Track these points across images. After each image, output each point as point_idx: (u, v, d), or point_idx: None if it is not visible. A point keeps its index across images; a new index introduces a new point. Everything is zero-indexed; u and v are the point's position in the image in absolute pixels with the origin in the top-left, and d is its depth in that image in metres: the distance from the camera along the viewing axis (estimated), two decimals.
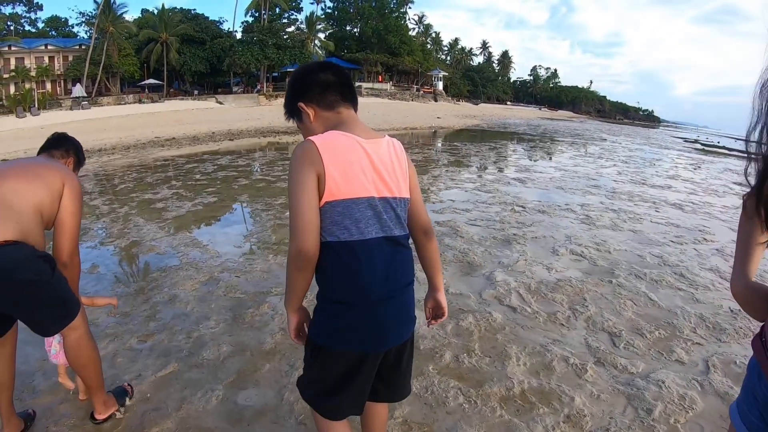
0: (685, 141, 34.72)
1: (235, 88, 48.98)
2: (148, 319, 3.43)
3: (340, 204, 1.38)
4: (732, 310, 3.93)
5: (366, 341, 1.46)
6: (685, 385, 2.79)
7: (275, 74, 51.02)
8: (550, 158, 16.46)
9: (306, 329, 1.56)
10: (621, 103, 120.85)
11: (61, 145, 2.38)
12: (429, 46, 72.82)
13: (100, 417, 2.32)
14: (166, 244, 5.04)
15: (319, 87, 1.54)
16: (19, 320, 2.04)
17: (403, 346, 1.58)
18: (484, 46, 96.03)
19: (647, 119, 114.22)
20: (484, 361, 2.99)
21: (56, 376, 2.45)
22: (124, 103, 35.39)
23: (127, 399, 2.50)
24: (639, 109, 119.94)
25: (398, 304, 1.50)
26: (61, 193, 2.01)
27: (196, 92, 46.70)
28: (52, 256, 2.00)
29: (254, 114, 27.22)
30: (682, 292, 4.32)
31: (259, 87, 46.38)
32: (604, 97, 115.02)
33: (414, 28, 71.08)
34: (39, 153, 2.35)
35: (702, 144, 31.31)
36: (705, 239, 6.25)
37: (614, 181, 10.86)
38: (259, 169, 10.18)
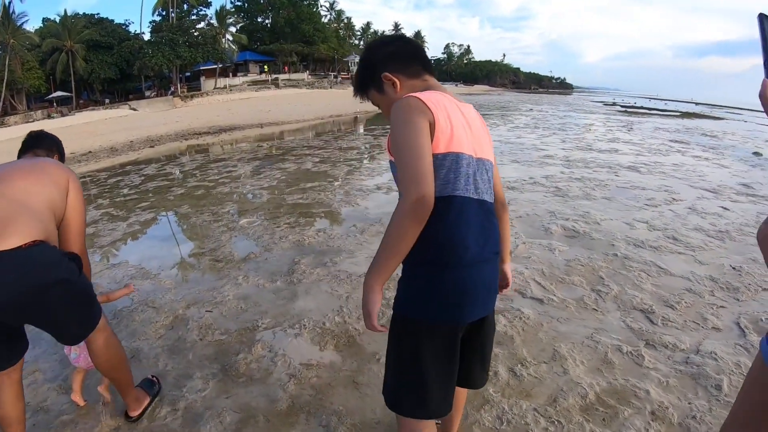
0: (604, 104, 36.20)
1: (147, 93, 47.03)
2: (114, 394, 2.42)
3: (447, 158, 1.33)
4: (734, 268, 4.04)
5: (459, 309, 1.37)
6: (734, 352, 2.80)
7: (188, 74, 49.65)
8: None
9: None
10: (534, 74, 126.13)
11: (43, 143, 2.31)
12: (342, 33, 72.62)
13: (134, 413, 2.30)
14: (108, 280, 4.18)
15: (401, 57, 1.53)
16: (44, 330, 1.92)
17: (487, 321, 1.54)
18: (396, 28, 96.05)
19: (561, 87, 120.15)
20: (541, 368, 2.69)
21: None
22: (32, 121, 32.85)
23: (157, 388, 2.51)
24: (552, 78, 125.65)
25: (490, 271, 1.43)
26: (67, 190, 1.97)
27: (107, 101, 44.40)
28: (77, 255, 1.94)
29: (171, 117, 25.95)
30: (683, 256, 4.33)
31: (173, 89, 44.80)
32: (518, 68, 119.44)
33: (326, 15, 70.59)
34: (21, 153, 2.27)
35: (621, 106, 32.76)
36: (674, 199, 6.37)
37: (562, 149, 11.06)
38: (192, 175, 9.27)
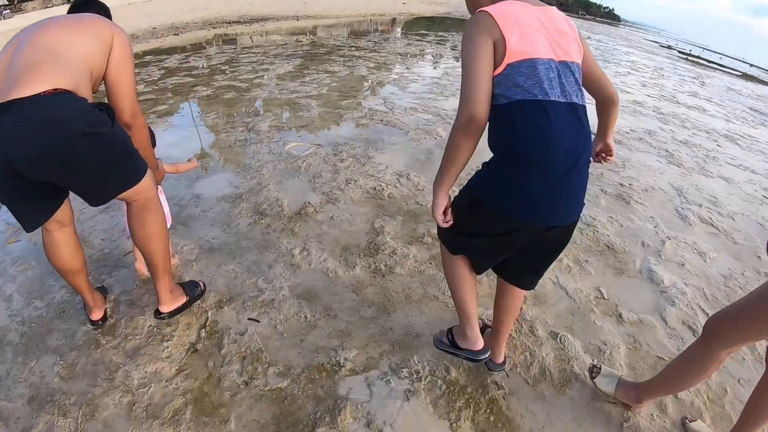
0: (660, 46, 33.55)
1: None
2: None
3: (522, 64, 1.34)
4: None
5: (534, 212, 1.40)
6: None
7: None
8: None
9: (449, 210, 1.53)
10: None
11: (89, 7, 2.06)
12: None
13: (165, 309, 2.11)
14: (94, 233, 2.96)
15: None
16: (72, 190, 1.77)
17: (564, 230, 1.52)
18: None
19: (608, 17, 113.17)
20: None
21: None
22: (52, 6, 30.81)
23: (199, 291, 2.29)
24: (600, 6, 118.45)
25: (578, 178, 1.41)
26: (110, 46, 1.79)
27: None
28: (108, 105, 1.77)
29: (199, 3, 23.77)
30: None
31: None
32: None
33: None
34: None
35: (678, 51, 30.47)
36: None
37: (647, 95, 9.48)
38: (221, 71, 7.77)
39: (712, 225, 3.74)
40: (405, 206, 3.26)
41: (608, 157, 1.80)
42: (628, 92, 9.42)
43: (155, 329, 2.14)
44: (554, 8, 1.49)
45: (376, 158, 4.08)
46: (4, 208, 3.36)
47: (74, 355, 2.02)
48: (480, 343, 1.77)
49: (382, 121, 5.10)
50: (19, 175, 1.59)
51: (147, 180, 1.85)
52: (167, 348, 2.04)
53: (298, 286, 2.43)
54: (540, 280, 1.78)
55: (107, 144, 1.68)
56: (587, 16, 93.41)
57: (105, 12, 2.14)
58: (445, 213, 1.51)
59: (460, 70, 1.41)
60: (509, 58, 1.33)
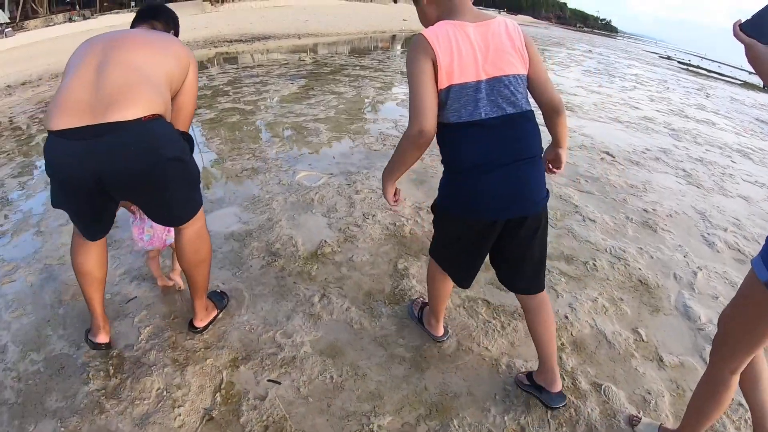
0: (659, 57, 33.64)
1: None
2: None
3: (451, 90, 1.50)
4: None
5: (474, 210, 1.59)
6: None
7: None
8: (562, 74, 14.43)
9: (398, 195, 1.77)
10: (581, 11, 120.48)
11: (161, 16, 2.12)
12: None
13: (201, 324, 2.22)
14: None
15: None
16: (145, 209, 1.90)
17: (527, 222, 1.63)
18: None
19: (605, 29, 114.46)
20: None
21: None
22: (53, 24, 31.76)
23: (225, 302, 2.42)
24: (598, 18, 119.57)
25: (523, 171, 1.57)
26: (187, 71, 1.88)
27: (132, 3, 41.97)
28: (190, 135, 1.94)
29: (200, 22, 23.90)
30: None
31: None
32: (565, 3, 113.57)
33: None
34: (136, 23, 2.10)
35: (678, 62, 30.59)
36: None
37: (656, 110, 9.33)
38: (223, 92, 7.64)
39: (739, 251, 3.60)
40: (428, 244, 3.06)
41: (554, 168, 1.89)
42: (637, 108, 9.35)
43: (165, 392, 1.94)
44: (494, 21, 1.57)
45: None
46: (1, 242, 3.21)
47: (76, 421, 1.82)
48: (440, 332, 2.23)
49: (394, 146, 4.88)
50: (100, 194, 1.67)
51: (202, 208, 1.99)
52: (179, 416, 1.84)
53: (321, 341, 2.23)
54: (577, 324, 2.15)
55: (188, 170, 1.81)
56: (585, 29, 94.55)
57: (175, 23, 2.21)
58: (395, 194, 1.75)
59: None
60: (440, 84, 1.50)
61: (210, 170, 4.32)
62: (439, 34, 1.50)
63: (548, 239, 3.20)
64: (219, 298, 2.39)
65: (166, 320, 2.35)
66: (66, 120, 1.54)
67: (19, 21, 33.50)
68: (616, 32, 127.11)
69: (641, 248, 3.36)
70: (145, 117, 1.59)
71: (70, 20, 33.18)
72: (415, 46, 1.52)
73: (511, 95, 1.53)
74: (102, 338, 2.11)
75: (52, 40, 23.44)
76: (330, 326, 2.33)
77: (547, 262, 2.92)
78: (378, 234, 3.16)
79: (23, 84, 11.82)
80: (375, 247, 3.02)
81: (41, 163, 5.04)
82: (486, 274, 2.75)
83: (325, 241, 3.03)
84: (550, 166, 1.88)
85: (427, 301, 2.31)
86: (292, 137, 5.27)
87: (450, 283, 1.98)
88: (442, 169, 1.68)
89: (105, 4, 41.75)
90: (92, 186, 1.62)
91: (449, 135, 1.56)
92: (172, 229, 2.16)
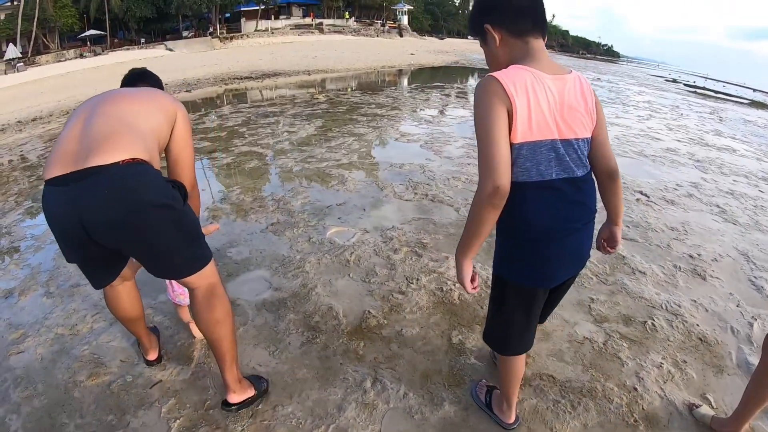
0: (665, 80, 33.79)
1: (185, 33, 46.38)
2: None
3: (524, 146, 1.37)
4: None
5: (541, 277, 1.54)
6: None
7: (227, 15, 48.58)
8: None
9: (477, 279, 1.55)
10: (582, 38, 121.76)
11: (146, 80, 2.22)
12: None
13: (236, 399, 2.02)
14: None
15: (510, 11, 1.44)
16: (143, 263, 1.77)
17: (569, 281, 1.66)
18: None
19: (608, 54, 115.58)
20: None
21: None
22: (64, 60, 32.93)
23: (265, 386, 2.19)
24: (599, 44, 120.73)
25: (577, 240, 1.53)
26: (174, 120, 1.88)
27: (143, 41, 43.54)
28: (181, 183, 1.84)
29: (210, 59, 24.32)
30: None
31: (211, 30, 44.03)
32: (567, 32, 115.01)
33: None
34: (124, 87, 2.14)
35: (684, 84, 30.75)
36: None
37: (676, 140, 9.23)
38: (238, 134, 7.51)
39: None
40: (481, 311, 2.80)
41: (610, 249, 1.82)
42: (659, 139, 9.25)
43: None
44: (571, 76, 1.45)
45: (432, 245, 3.64)
46: (7, 303, 3.02)
47: None
48: (512, 418, 1.98)
49: (426, 195, 4.70)
50: (91, 240, 1.63)
51: (212, 265, 1.86)
52: None
53: None
54: (647, 396, 2.15)
55: (178, 219, 1.70)
56: (587, 55, 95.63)
57: (159, 85, 2.25)
58: (472, 279, 1.53)
59: None
60: (514, 138, 1.35)
61: (233, 224, 4.11)
62: (516, 81, 1.34)
63: (602, 297, 2.97)
64: (258, 381, 2.21)
65: (198, 411, 2.09)
66: (54, 169, 1.58)
67: (31, 56, 34.30)
68: (618, 56, 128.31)
69: (695, 300, 3.17)
70: (123, 161, 1.58)
71: (81, 56, 34.40)
72: (486, 90, 1.35)
73: (578, 158, 1.46)
74: (152, 355, 2.32)
75: (63, 76, 23.95)
76: (388, 417, 2.06)
77: (606, 324, 2.70)
78: (425, 302, 2.90)
79: (34, 120, 11.97)
80: (424, 317, 2.75)
81: None
82: (546, 344, 2.52)
83: (369, 312, 2.77)
84: (605, 245, 1.82)
85: (491, 384, 2.16)
86: (316, 186, 5.06)
87: (523, 361, 1.83)
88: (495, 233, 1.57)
89: (116, 40, 42.90)
90: (81, 234, 1.60)
91: (518, 196, 1.40)
92: None
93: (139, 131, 1.69)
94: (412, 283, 3.09)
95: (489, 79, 1.35)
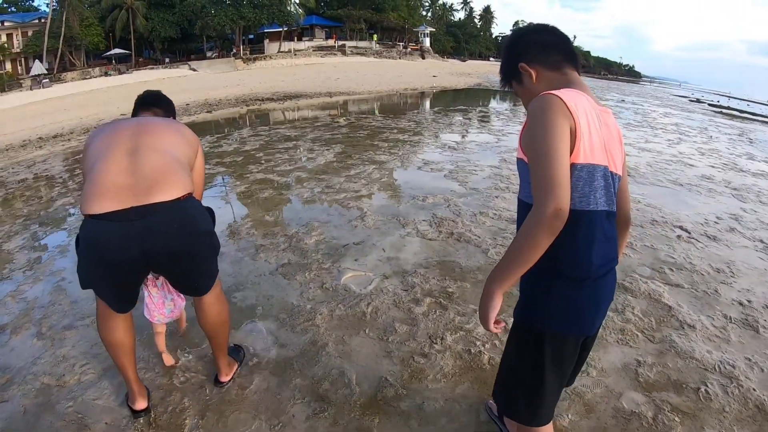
0: (689, 101, 33.40)
1: (209, 53, 47.63)
2: None
3: (584, 168, 1.26)
4: None
5: (591, 321, 1.40)
6: None
7: (251, 36, 49.34)
8: None
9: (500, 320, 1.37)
10: (604, 59, 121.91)
11: (162, 104, 2.34)
12: (411, 2, 69.52)
13: (226, 379, 2.34)
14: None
15: (539, 46, 1.44)
16: (176, 282, 2.04)
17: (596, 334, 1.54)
18: (465, 1, 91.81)
19: (629, 74, 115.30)
20: None
21: None
22: (89, 77, 34.10)
23: (242, 354, 2.55)
24: (621, 64, 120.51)
25: (612, 282, 1.44)
26: (196, 151, 2.07)
27: (167, 60, 45.00)
28: (212, 209, 2.10)
29: (232, 80, 24.62)
30: None
31: (235, 50, 44.82)
32: (588, 52, 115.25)
33: None
34: (139, 108, 2.29)
35: (708, 104, 30.41)
36: None
37: (710, 166, 8.81)
38: (255, 160, 7.33)
39: None
40: None
41: None
42: (692, 165, 8.88)
43: None
44: (610, 111, 1.42)
45: (458, 295, 3.27)
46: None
47: None
48: None
49: (452, 234, 4.33)
50: (141, 270, 1.83)
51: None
52: None
53: None
54: None
55: (214, 242, 2.00)
56: (609, 75, 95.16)
57: (172, 109, 2.41)
58: (497, 322, 1.35)
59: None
60: (575, 158, 1.25)
61: (241, 263, 3.83)
62: (576, 100, 1.26)
63: (650, 359, 2.60)
64: (235, 352, 2.54)
65: None
66: (108, 204, 1.64)
67: (58, 72, 35.28)
68: (640, 77, 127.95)
69: (749, 359, 2.83)
70: (183, 196, 1.75)
71: (106, 74, 35.57)
72: (549, 105, 1.25)
73: (614, 194, 1.37)
74: (140, 404, 2.18)
75: (87, 93, 24.47)
76: None
77: (655, 394, 2.40)
78: (451, 367, 2.53)
79: (54, 137, 12.14)
80: (449, 387, 2.39)
81: (57, 237, 4.72)
82: (589, 421, 2.21)
83: (387, 379, 2.43)
84: None
85: None
86: (333, 221, 4.76)
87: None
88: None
89: (140, 59, 44.08)
90: (137, 264, 1.75)
91: (569, 224, 1.22)
92: (184, 299, 2.36)
93: (182, 164, 1.87)
94: (435, 343, 2.74)
95: (549, 96, 1.26)
